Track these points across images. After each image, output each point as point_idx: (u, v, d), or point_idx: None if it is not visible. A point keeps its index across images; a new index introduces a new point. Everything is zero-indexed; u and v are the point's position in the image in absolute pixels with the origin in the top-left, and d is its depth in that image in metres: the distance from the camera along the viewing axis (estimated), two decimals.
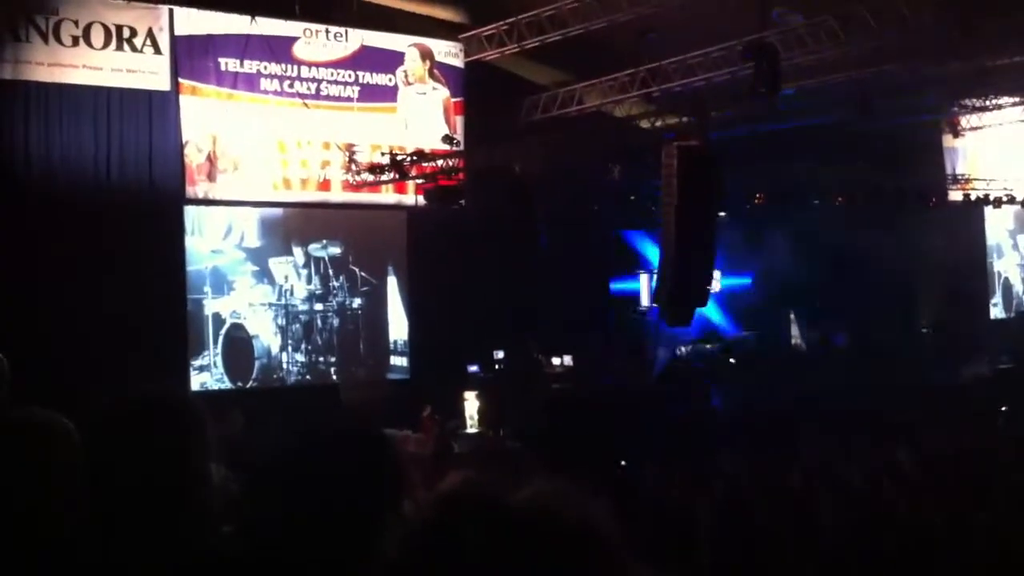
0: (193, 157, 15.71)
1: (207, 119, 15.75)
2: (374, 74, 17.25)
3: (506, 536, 1.33)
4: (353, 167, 16.76)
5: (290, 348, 17.29)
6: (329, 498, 1.94)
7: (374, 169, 16.43)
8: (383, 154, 16.49)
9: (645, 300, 20.61)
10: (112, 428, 2.21)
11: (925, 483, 9.09)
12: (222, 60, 15.82)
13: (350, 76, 17.02)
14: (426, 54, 17.65)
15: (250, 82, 16.12)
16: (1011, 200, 22.13)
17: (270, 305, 17.36)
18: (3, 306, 12.52)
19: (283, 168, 16.59)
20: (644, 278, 20.65)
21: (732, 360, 20.39)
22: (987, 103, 19.74)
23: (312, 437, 2.13)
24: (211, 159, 15.87)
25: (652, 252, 19.59)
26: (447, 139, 16.57)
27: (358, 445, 2.05)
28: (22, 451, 2.34)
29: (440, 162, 16.31)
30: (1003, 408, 16.03)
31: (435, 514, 1.37)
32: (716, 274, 21.80)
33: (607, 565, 1.37)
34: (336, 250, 17.89)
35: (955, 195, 22.23)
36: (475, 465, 13.96)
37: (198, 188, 15.79)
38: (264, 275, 16.98)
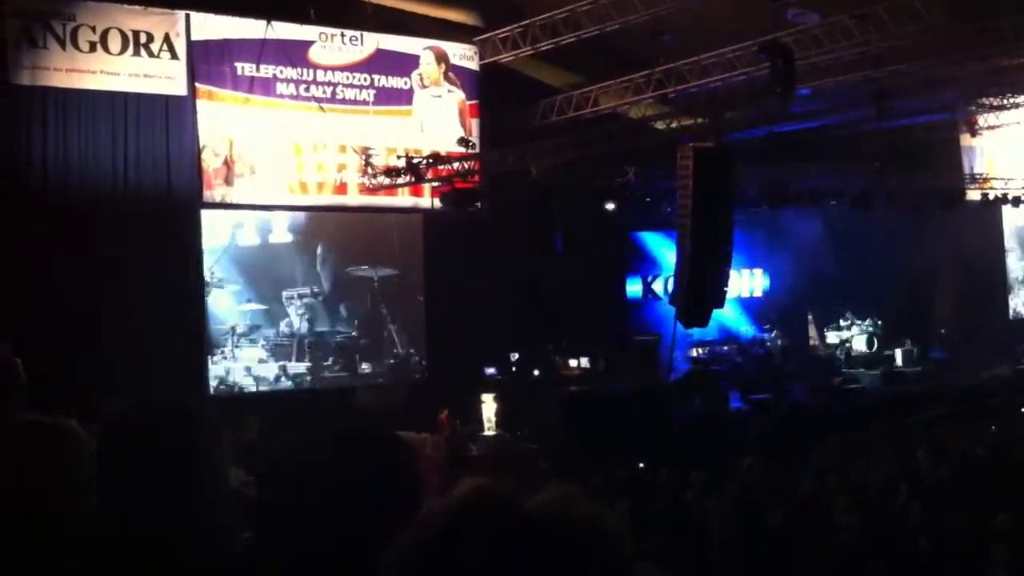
0: (210, 161, 15.76)
1: (223, 123, 15.80)
2: (389, 77, 17.27)
3: (518, 542, 1.32)
4: (369, 170, 16.78)
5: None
6: (343, 501, 1.94)
7: (390, 172, 16.45)
8: (399, 157, 16.52)
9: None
10: (125, 431, 2.21)
11: (943, 484, 9.05)
12: (238, 65, 15.87)
13: (365, 79, 17.04)
14: (441, 57, 17.65)
15: (266, 86, 16.16)
16: None
17: (284, 375, 16.50)
18: (20, 308, 12.58)
19: (299, 172, 16.61)
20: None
21: (740, 360, 20.37)
22: (1004, 102, 19.61)
23: (326, 439, 2.13)
24: (228, 163, 15.91)
25: (668, 254, 19.55)
26: (462, 142, 16.58)
27: (372, 447, 2.05)
28: (31, 455, 2.35)
29: (456, 165, 16.33)
30: (1023, 410, 15.95)
31: (444, 520, 1.37)
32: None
33: (621, 571, 1.36)
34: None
35: (973, 194, 22.10)
36: (492, 467, 13.98)
37: (215, 192, 15.84)
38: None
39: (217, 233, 16.17)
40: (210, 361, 15.87)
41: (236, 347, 16.09)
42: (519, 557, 1.29)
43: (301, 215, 16.94)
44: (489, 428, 15.91)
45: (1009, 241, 25.04)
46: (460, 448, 15.02)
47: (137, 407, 2.26)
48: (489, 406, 16.01)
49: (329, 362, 16.88)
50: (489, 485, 1.38)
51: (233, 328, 16.08)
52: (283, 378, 16.38)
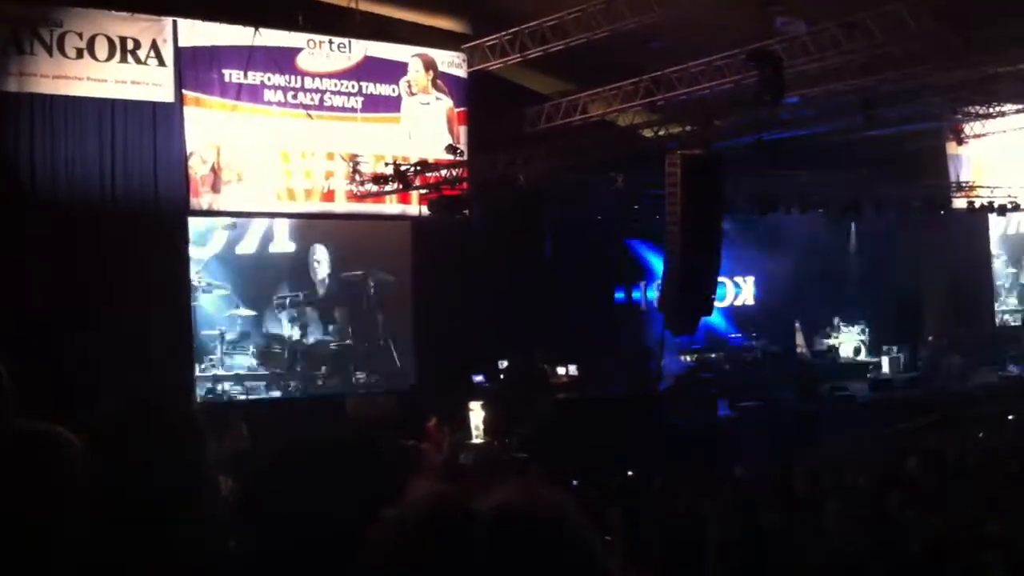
0: (197, 168, 15.71)
1: (211, 130, 15.76)
2: (377, 84, 17.25)
3: (476, 544, 1.30)
4: (357, 177, 16.74)
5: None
6: (329, 510, 1.93)
7: (378, 179, 16.42)
8: (387, 164, 16.48)
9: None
10: (111, 437, 2.20)
11: (933, 491, 9.06)
12: (226, 71, 15.83)
13: (354, 87, 17.02)
14: (429, 64, 17.65)
15: (254, 93, 16.12)
16: (1015, 207, 22.07)
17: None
18: (6, 314, 12.50)
19: (287, 179, 16.57)
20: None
21: (728, 368, 20.41)
22: (990, 110, 19.68)
23: (313, 448, 2.12)
24: (215, 170, 15.86)
25: (656, 261, 19.56)
26: (451, 149, 16.56)
27: (359, 456, 2.04)
28: (25, 462, 2.33)
29: (444, 172, 16.31)
30: (1010, 416, 16.00)
31: (402, 528, 1.35)
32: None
33: (585, 565, 1.34)
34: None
35: (959, 202, 22.18)
36: (481, 475, 13.94)
37: (202, 199, 15.79)
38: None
39: (205, 236, 16.09)
40: (197, 369, 15.75)
41: (225, 354, 15.96)
42: (479, 559, 1.27)
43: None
44: (477, 436, 15.86)
45: (996, 248, 25.11)
46: (450, 456, 14.98)
47: (128, 414, 2.24)
48: (477, 414, 15.97)
49: (322, 371, 16.73)
50: (444, 490, 1.36)
51: (222, 334, 15.95)
52: (274, 387, 16.22)
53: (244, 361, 16.14)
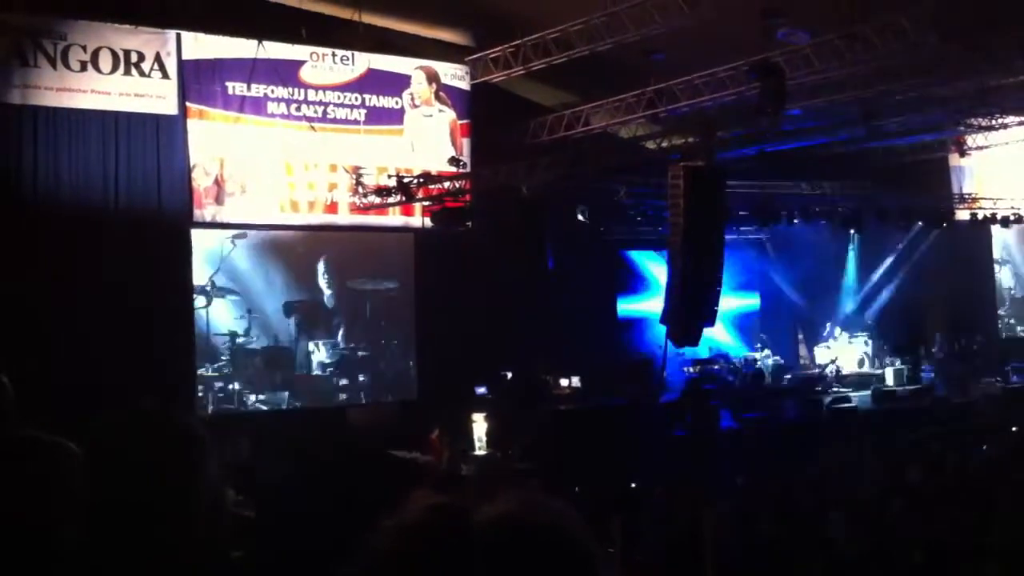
0: (200, 180, 15.75)
1: (214, 142, 15.80)
2: (380, 97, 17.29)
3: (475, 555, 1.31)
4: (360, 190, 16.78)
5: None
6: (333, 520, 1.94)
7: (381, 191, 16.45)
8: (390, 176, 16.51)
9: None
10: (110, 446, 2.20)
11: (935, 501, 9.05)
12: (229, 84, 15.88)
13: (357, 99, 17.06)
14: (432, 76, 17.69)
15: (257, 106, 16.17)
16: (1018, 219, 22.06)
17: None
18: (9, 327, 12.51)
19: (290, 191, 16.61)
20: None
21: (731, 379, 20.39)
22: (993, 122, 19.69)
23: (317, 460, 2.13)
24: (218, 182, 15.91)
25: (659, 272, 19.56)
26: (453, 161, 16.59)
27: (363, 467, 2.05)
28: (24, 471, 2.34)
29: (447, 184, 16.35)
30: (1013, 428, 15.96)
31: (397, 543, 1.35)
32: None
33: (584, 575, 1.35)
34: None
35: (962, 214, 22.17)
36: (483, 486, 13.92)
37: (205, 211, 15.83)
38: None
39: (216, 243, 16.11)
40: (210, 369, 15.86)
41: (234, 358, 16.05)
42: (478, 568, 1.27)
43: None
44: (480, 447, 15.84)
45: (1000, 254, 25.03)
46: (452, 467, 14.97)
47: (128, 423, 2.24)
48: (480, 425, 15.94)
49: (327, 373, 16.81)
50: (444, 499, 1.37)
51: (233, 337, 16.03)
52: (280, 391, 16.30)
53: (253, 364, 16.28)
